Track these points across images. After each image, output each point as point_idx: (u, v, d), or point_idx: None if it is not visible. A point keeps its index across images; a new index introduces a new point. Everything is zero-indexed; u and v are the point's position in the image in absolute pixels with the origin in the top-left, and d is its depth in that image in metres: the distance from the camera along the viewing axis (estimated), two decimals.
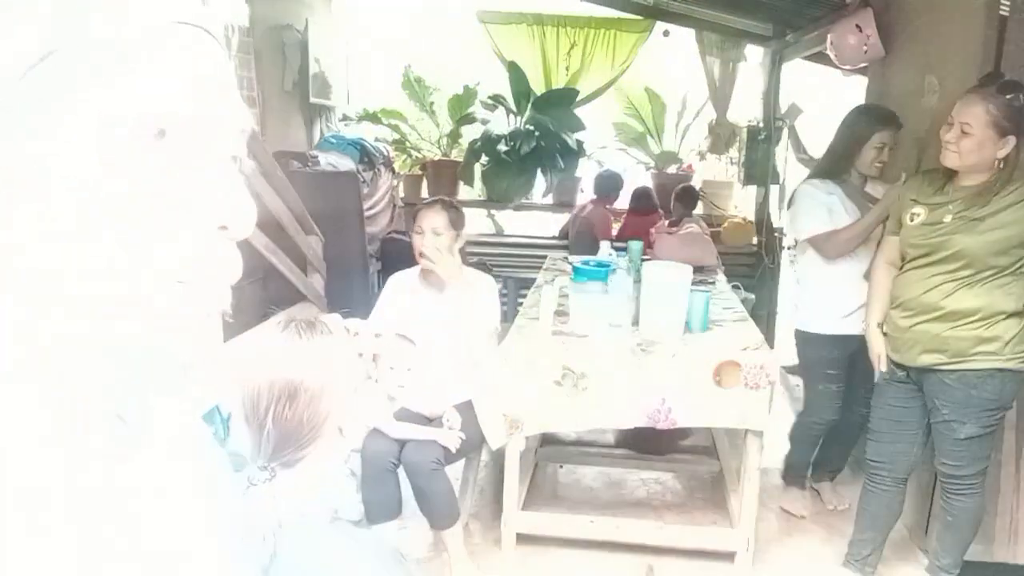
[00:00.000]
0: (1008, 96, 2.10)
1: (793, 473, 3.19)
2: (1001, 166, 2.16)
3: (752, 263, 5.28)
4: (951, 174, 2.28)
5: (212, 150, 0.43)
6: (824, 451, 3.28)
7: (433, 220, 2.53)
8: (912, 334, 2.31)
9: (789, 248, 5.04)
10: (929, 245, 2.26)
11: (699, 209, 5.51)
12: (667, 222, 4.69)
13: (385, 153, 5.48)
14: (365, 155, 5.09)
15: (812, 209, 2.82)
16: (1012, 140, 2.12)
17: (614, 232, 5.13)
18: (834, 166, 2.88)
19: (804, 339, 3.02)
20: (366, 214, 4.62)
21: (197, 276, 0.42)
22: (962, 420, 2.26)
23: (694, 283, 2.88)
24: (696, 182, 6.30)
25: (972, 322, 2.21)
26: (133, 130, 0.39)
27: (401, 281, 2.72)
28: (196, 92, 0.42)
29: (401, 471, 2.48)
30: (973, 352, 2.21)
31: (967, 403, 2.24)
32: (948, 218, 2.23)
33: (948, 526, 2.43)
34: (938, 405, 2.30)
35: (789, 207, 3.07)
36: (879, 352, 2.44)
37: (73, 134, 0.38)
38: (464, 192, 6.58)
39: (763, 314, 4.82)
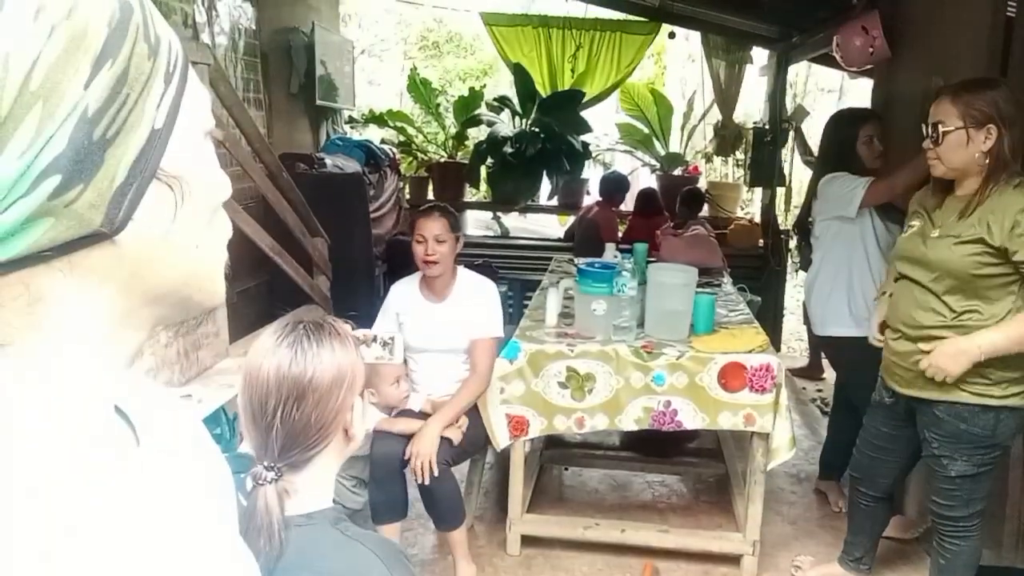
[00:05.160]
0: (976, 90, 1.99)
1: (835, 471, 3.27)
2: (987, 161, 1.98)
3: (758, 265, 5.27)
4: (949, 187, 2.12)
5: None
6: (828, 452, 3.28)
7: (434, 227, 2.52)
8: (902, 359, 2.18)
9: (798, 266, 5.03)
10: (913, 258, 2.15)
11: (705, 211, 5.51)
12: (673, 224, 4.69)
13: (391, 155, 5.50)
14: (371, 157, 5.10)
15: (850, 178, 2.80)
16: (993, 129, 1.96)
17: (620, 234, 5.13)
18: (838, 164, 2.90)
19: (836, 344, 3.05)
20: (372, 216, 4.63)
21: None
22: (952, 456, 2.12)
23: (699, 285, 2.88)
24: (702, 184, 6.31)
25: None
26: None
27: (402, 289, 2.72)
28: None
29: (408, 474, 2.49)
30: (962, 385, 2.05)
31: (958, 438, 2.09)
32: (936, 232, 2.09)
33: (941, 569, 2.27)
34: (928, 438, 2.17)
35: (816, 200, 3.04)
36: (877, 319, 2.38)
37: None
38: (469, 194, 6.60)
39: (769, 316, 4.81)
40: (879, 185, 2.75)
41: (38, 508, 0.40)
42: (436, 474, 2.36)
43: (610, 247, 3.77)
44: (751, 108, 6.93)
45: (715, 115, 6.34)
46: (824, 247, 3.00)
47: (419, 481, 2.38)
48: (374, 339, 2.04)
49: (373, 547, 1.07)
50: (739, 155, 6.39)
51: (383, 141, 6.20)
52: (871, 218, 2.86)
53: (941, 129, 2.01)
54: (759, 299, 4.19)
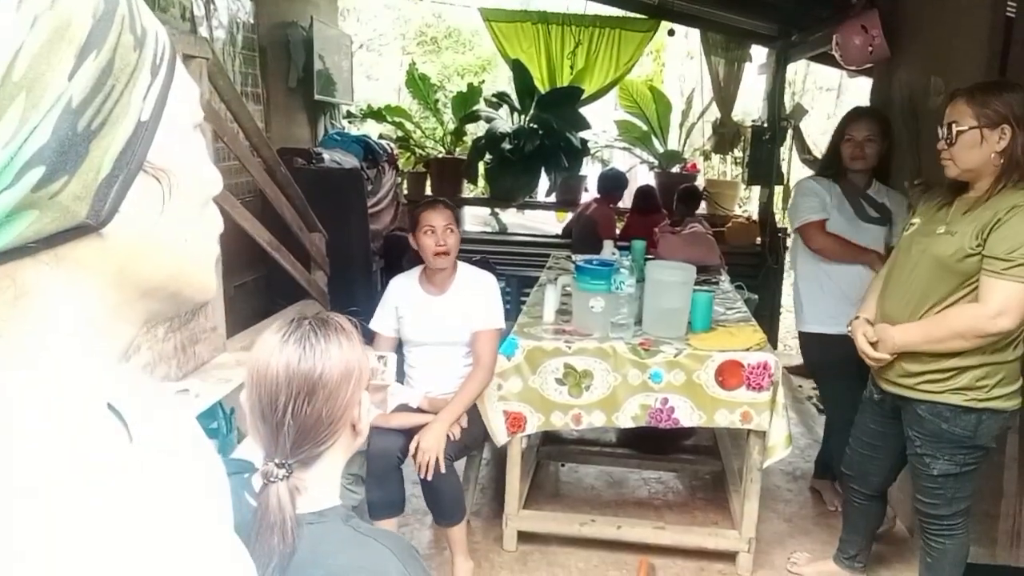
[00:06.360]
0: (992, 91, 1.97)
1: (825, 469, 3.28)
2: (1001, 161, 1.96)
3: (756, 263, 5.28)
4: (962, 188, 2.10)
5: None
6: (824, 451, 3.29)
7: (442, 219, 2.54)
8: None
9: (788, 252, 5.05)
10: (909, 256, 2.15)
11: (703, 209, 5.50)
12: (670, 222, 4.69)
13: (389, 150, 5.48)
14: (369, 152, 5.09)
15: (808, 199, 2.88)
16: (1007, 130, 1.94)
17: (618, 231, 5.13)
18: (825, 164, 2.98)
19: (806, 340, 3.03)
20: (370, 211, 4.62)
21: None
22: (934, 455, 2.13)
23: (697, 283, 2.88)
24: (700, 182, 6.30)
25: (931, 354, 2.08)
26: None
27: (402, 283, 2.71)
28: None
29: (405, 469, 2.49)
30: (942, 386, 2.08)
31: (939, 437, 2.11)
32: (941, 229, 2.08)
33: (929, 568, 2.28)
34: (911, 436, 2.19)
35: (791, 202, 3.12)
36: (862, 347, 2.27)
37: None
38: (467, 190, 6.60)
39: (766, 314, 4.81)
40: (811, 232, 2.85)
41: (38, 508, 0.39)
42: (443, 471, 2.36)
43: (608, 244, 3.77)
44: (750, 106, 6.92)
45: (714, 113, 6.33)
46: (797, 245, 3.05)
47: (422, 476, 2.38)
48: None
49: (387, 543, 1.07)
50: (737, 153, 6.38)
51: (381, 136, 6.19)
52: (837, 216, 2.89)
53: (955, 129, 2.00)
54: (756, 297, 4.20)
